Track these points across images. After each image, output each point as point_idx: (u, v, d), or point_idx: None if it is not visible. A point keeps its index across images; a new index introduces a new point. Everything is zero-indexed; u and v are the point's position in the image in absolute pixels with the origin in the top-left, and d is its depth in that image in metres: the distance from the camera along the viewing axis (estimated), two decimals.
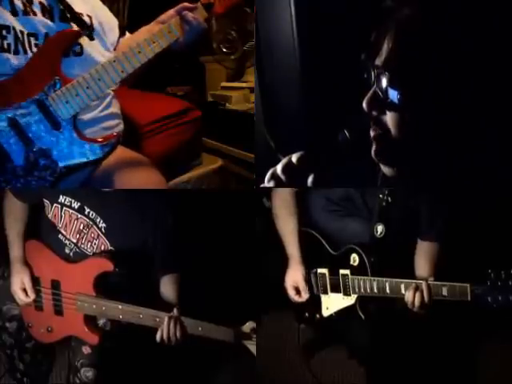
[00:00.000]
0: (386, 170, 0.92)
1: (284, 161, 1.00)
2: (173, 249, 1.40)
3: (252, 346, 1.25)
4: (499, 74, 0.79)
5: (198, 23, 1.32)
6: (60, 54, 1.22)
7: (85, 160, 1.24)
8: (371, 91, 0.87)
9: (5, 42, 1.18)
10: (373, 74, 0.87)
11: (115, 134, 1.27)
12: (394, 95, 0.83)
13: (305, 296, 1.47)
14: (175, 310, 1.28)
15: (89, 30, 1.31)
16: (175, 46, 1.32)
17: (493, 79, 0.79)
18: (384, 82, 0.83)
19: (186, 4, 1.34)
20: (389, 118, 0.86)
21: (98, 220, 1.36)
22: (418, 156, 0.88)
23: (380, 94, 0.85)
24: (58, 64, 1.22)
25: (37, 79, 1.20)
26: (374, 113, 0.88)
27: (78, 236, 1.38)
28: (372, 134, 0.90)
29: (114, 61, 1.23)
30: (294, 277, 1.47)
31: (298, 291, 1.47)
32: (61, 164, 1.22)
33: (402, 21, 0.83)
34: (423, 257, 1.42)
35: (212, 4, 1.35)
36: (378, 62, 0.86)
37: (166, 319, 1.27)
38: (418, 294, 1.29)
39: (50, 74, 1.21)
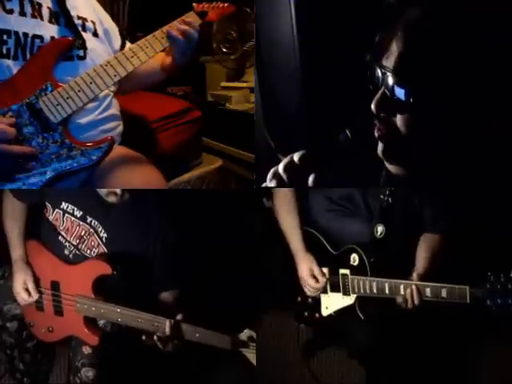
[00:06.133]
0: (391, 167, 0.93)
1: (286, 160, 1.00)
2: (173, 267, 1.41)
3: (250, 355, 1.24)
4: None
5: (191, 33, 1.30)
6: (53, 60, 1.22)
7: (75, 165, 1.21)
8: (380, 93, 0.86)
9: (4, 48, 1.17)
10: (380, 74, 0.86)
11: (109, 137, 1.26)
12: (403, 95, 0.82)
13: (323, 279, 1.43)
14: (179, 316, 1.28)
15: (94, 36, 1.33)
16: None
17: (504, 78, 0.79)
18: (393, 83, 0.83)
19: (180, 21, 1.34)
20: (398, 118, 0.85)
21: (99, 229, 1.37)
22: (425, 154, 0.88)
23: (389, 94, 0.84)
24: (51, 70, 1.21)
25: (29, 84, 1.19)
26: (383, 114, 0.87)
27: (78, 240, 1.38)
28: (378, 133, 0.89)
29: (107, 65, 1.23)
30: (307, 265, 1.43)
31: (315, 278, 1.44)
32: (50, 168, 1.19)
33: (411, 22, 0.82)
34: (422, 248, 1.43)
35: (206, 12, 1.37)
36: (387, 63, 0.85)
37: (168, 324, 1.26)
38: (408, 293, 1.30)
39: (42, 79, 1.20)
